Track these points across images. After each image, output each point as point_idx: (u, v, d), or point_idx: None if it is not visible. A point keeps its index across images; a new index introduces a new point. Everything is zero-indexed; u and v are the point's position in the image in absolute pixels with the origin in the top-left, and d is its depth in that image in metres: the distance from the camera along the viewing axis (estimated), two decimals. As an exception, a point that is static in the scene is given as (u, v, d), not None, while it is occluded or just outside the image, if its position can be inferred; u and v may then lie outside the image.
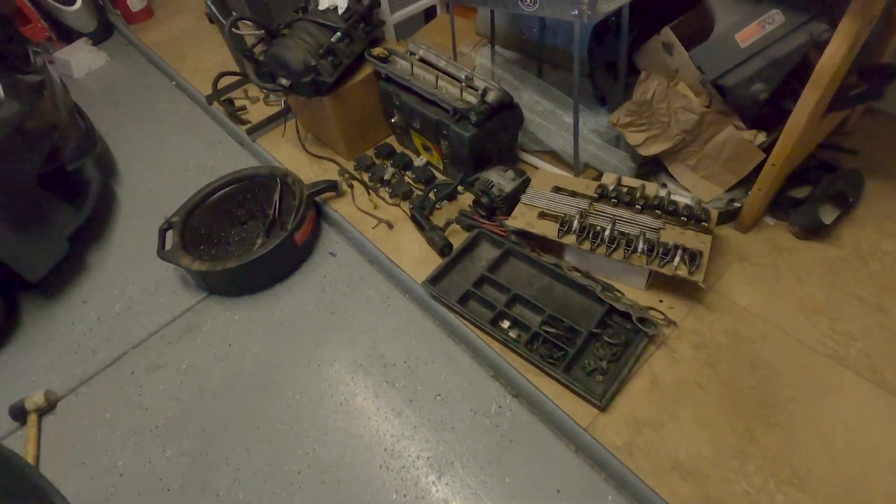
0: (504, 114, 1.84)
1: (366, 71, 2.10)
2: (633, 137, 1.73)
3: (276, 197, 2.07)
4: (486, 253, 1.81)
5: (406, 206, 2.04)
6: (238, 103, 2.74)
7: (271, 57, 1.95)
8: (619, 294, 1.61)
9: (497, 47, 2.17)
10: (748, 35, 1.42)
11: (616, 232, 1.58)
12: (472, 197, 1.91)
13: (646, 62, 1.71)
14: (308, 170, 2.31)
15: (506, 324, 1.59)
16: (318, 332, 1.82)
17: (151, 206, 2.40)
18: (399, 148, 2.27)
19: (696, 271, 1.48)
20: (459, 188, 2.05)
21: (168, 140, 2.83)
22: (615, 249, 1.56)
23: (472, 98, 1.82)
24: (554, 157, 2.07)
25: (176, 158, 2.70)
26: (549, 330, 1.54)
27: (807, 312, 1.52)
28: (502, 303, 1.62)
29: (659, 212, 1.62)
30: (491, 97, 1.77)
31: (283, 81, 1.95)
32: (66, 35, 3.75)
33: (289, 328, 1.86)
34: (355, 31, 2.03)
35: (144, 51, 3.62)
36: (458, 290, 1.70)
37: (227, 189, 2.17)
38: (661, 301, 1.61)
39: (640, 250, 1.53)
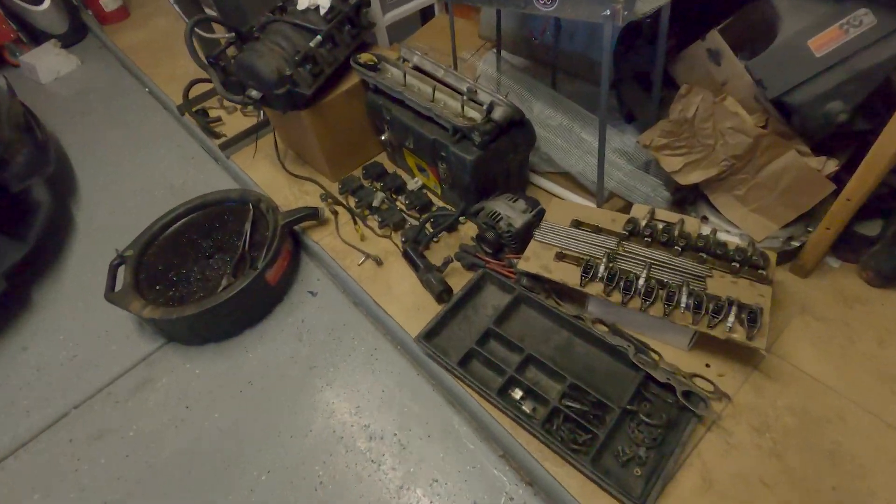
0: (513, 133, 1.55)
1: (352, 80, 1.81)
2: (670, 162, 1.44)
3: (248, 226, 1.78)
4: (493, 298, 1.52)
5: (398, 237, 1.75)
6: (214, 114, 2.45)
7: (240, 64, 1.66)
8: (656, 356, 1.32)
9: (504, 53, 1.88)
10: (825, 41, 1.13)
11: (653, 281, 1.29)
12: (475, 227, 1.62)
13: (686, 73, 1.42)
14: (287, 192, 2.01)
15: (517, 393, 1.30)
16: (292, 393, 1.53)
17: (111, 234, 2.11)
18: (391, 168, 1.98)
19: (757, 334, 1.18)
20: (460, 219, 1.75)
21: (137, 155, 2.54)
22: (652, 303, 1.27)
23: (475, 114, 1.52)
24: (570, 179, 1.78)
25: (144, 176, 2.41)
26: (572, 405, 1.24)
27: (894, 386, 1.22)
28: (513, 366, 1.33)
29: (704, 255, 1.33)
30: (498, 114, 1.48)
31: (253, 93, 1.66)
32: (35, 37, 3.46)
33: (258, 387, 1.56)
34: (339, 35, 1.74)
35: (118, 54, 3.33)
36: (459, 347, 1.41)
37: (190, 216, 1.88)
38: (708, 366, 1.31)
39: (683, 305, 1.24)
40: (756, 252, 1.29)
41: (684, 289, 1.26)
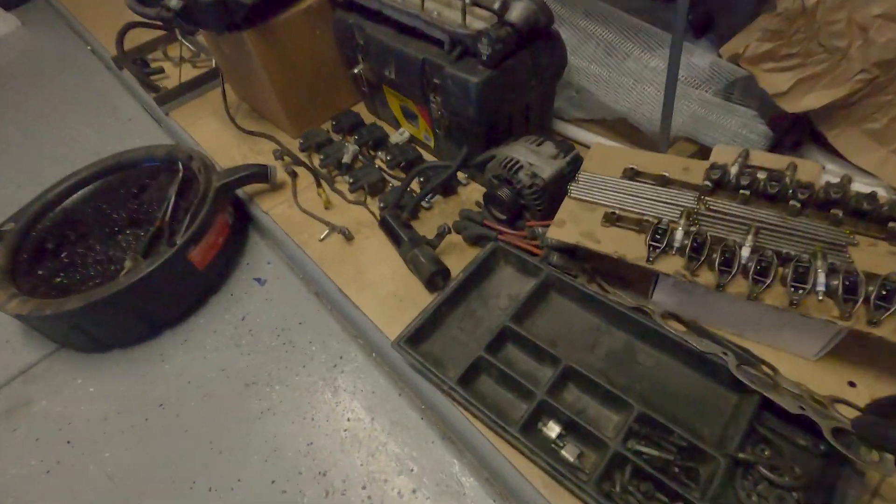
0: (536, 47, 1.08)
1: (314, -6, 1.34)
2: (774, 80, 0.97)
3: (172, 191, 1.30)
4: (509, 284, 1.05)
5: (375, 204, 1.28)
6: (158, 66, 1.98)
7: (155, -37, 1.19)
8: (769, 371, 0.84)
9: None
10: None
11: (768, 251, 0.81)
12: (482, 190, 1.15)
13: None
14: (235, 153, 1.54)
15: (553, 429, 0.82)
16: (218, 422, 1.06)
17: (11, 211, 1.63)
18: (371, 120, 1.51)
19: (958, 335, 0.71)
20: (461, 175, 1.28)
21: (62, 119, 2.07)
22: (768, 286, 0.79)
23: (481, 24, 1.05)
24: (610, 128, 1.31)
25: (65, 143, 1.94)
26: (645, 450, 0.76)
27: None
28: (544, 385, 0.85)
29: (839, 213, 0.85)
30: (516, 14, 1.01)
31: (173, 2, 1.18)
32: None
33: (170, 412, 1.09)
34: (295, -71, 1.28)
35: (63, 13, 2.87)
36: (460, 355, 0.94)
37: (100, 182, 1.41)
38: (853, 384, 0.84)
39: (821, 288, 0.77)
40: (929, 205, 0.82)
41: (820, 262, 0.78)
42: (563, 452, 0.79)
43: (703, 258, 0.83)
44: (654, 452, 0.76)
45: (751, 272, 0.80)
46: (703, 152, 1.09)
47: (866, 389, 0.83)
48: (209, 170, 1.30)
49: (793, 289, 0.78)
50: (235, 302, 1.27)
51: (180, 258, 1.15)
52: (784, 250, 0.82)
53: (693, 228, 0.87)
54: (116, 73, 2.18)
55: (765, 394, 0.77)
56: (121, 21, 2.03)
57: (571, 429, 0.82)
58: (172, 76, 1.94)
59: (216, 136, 1.62)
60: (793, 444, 0.77)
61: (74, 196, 1.38)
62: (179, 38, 1.96)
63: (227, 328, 1.22)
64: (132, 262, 1.17)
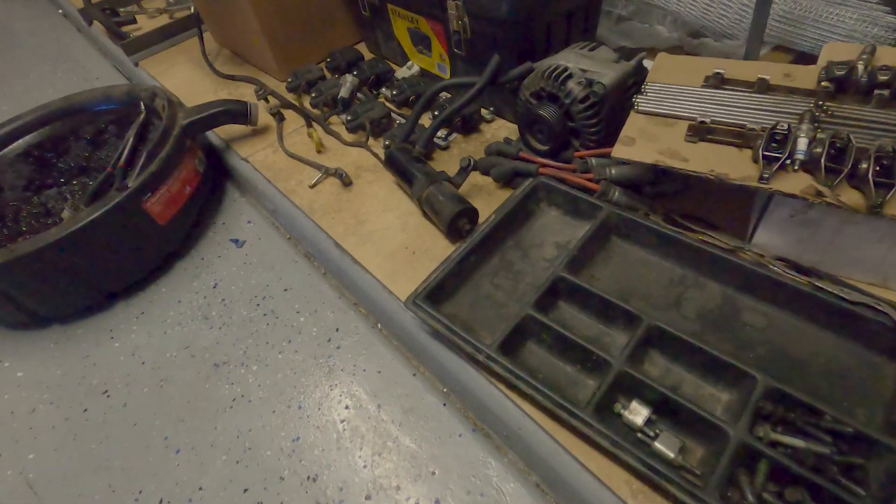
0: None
1: None
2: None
3: (131, 133, 1.06)
4: (555, 231, 0.80)
5: (379, 145, 1.03)
6: (131, 16, 1.75)
7: None
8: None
9: None
10: None
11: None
12: (512, 128, 0.91)
13: None
14: (211, 98, 1.30)
15: (637, 411, 0.58)
16: (175, 414, 0.81)
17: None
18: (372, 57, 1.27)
19: None
20: (485, 111, 1.04)
21: (25, 81, 1.84)
22: (949, 203, 0.55)
23: None
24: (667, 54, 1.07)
25: (25, 103, 1.70)
26: (787, 440, 0.52)
27: None
28: (621, 350, 0.61)
29: None
30: None
31: None
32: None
33: (117, 401, 0.84)
34: None
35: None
36: (495, 318, 0.70)
37: (46, 129, 1.16)
38: None
39: None
40: None
41: None
42: (658, 445, 0.55)
43: (846, 170, 0.59)
44: (801, 443, 0.51)
45: (921, 185, 0.56)
46: (804, 61, 0.85)
47: None
48: (174, 106, 1.06)
49: None
50: (206, 267, 1.02)
51: (133, 207, 0.91)
52: (960, 157, 0.58)
53: (822, 135, 0.62)
54: (87, 32, 1.96)
55: (952, 357, 0.53)
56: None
57: (664, 411, 0.58)
58: (148, 28, 1.70)
59: (191, 83, 1.38)
60: None
61: (14, 145, 1.14)
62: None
63: (195, 297, 0.97)
64: (72, 210, 0.92)
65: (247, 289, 0.97)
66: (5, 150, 1.13)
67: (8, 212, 1.00)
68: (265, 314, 0.92)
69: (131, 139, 1.05)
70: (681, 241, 0.70)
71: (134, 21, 1.72)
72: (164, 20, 1.72)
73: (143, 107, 1.12)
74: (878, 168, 0.58)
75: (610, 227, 0.77)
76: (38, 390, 0.88)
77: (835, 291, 0.61)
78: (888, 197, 0.57)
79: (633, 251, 0.75)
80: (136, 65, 1.54)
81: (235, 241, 1.06)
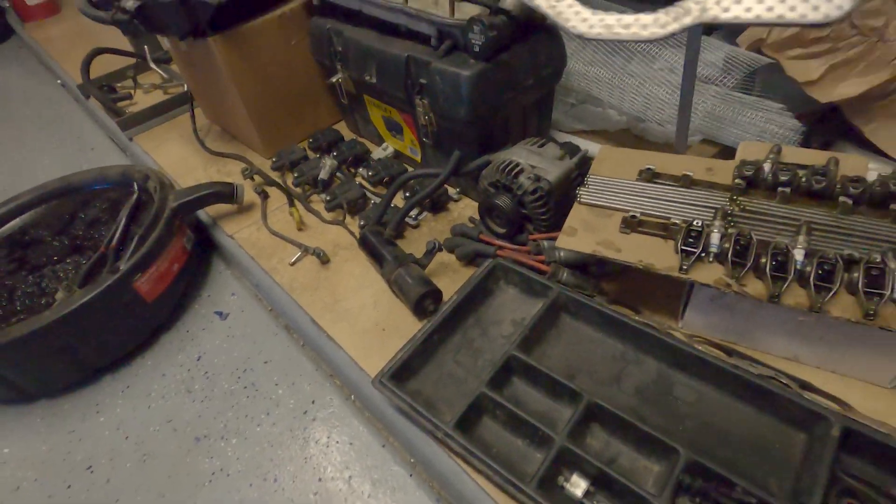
0: (534, 42, 0.97)
1: (290, 2, 1.24)
2: (802, 68, 0.86)
3: (123, 213, 1.14)
4: (513, 308, 0.89)
5: (356, 223, 1.12)
6: (127, 93, 1.86)
7: (110, -37, 1.08)
8: (838, 403, 0.68)
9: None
10: None
11: (832, 253, 0.67)
12: (476, 207, 1.01)
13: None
14: (201, 175, 1.40)
15: (578, 484, 0.64)
16: (157, 489, 0.85)
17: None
18: (352, 138, 1.38)
19: None
20: (452, 191, 1.14)
21: (21, 150, 1.93)
22: (834, 294, 0.65)
23: (469, 14, 0.95)
24: (612, 139, 1.20)
25: (22, 172, 1.79)
26: (703, 511, 0.59)
27: None
28: (564, 426, 0.68)
29: (898, 207, 0.72)
30: (511, 1, 0.91)
31: (129, 4, 1.07)
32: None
33: (100, 477, 0.88)
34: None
35: (36, 49, 2.79)
36: (456, 394, 0.76)
37: (43, 207, 1.24)
38: (944, 417, 0.68)
39: (901, 294, 0.62)
40: None
41: (893, 261, 0.64)
42: (595, 516, 0.61)
43: (749, 264, 0.68)
44: (715, 514, 0.58)
45: (811, 278, 0.65)
46: (726, 154, 0.97)
47: (964, 422, 0.67)
48: (166, 188, 1.15)
49: (866, 296, 0.63)
50: (191, 340, 1.08)
51: (124, 287, 0.98)
52: (846, 252, 0.68)
53: (733, 231, 0.73)
54: (84, 103, 2.06)
55: (854, 427, 0.61)
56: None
57: (601, 484, 0.64)
58: (142, 103, 1.81)
59: (182, 160, 1.47)
60: (888, 497, 0.59)
61: (11, 223, 1.22)
62: (151, 63, 1.85)
63: (179, 371, 1.03)
64: (66, 292, 0.99)
65: (229, 361, 1.03)
66: (3, 227, 1.20)
67: (3, 291, 1.06)
68: (245, 387, 0.98)
69: (123, 220, 1.13)
70: (621, 321, 0.79)
71: (130, 97, 1.83)
72: (158, 95, 1.84)
73: (135, 188, 1.21)
74: (774, 262, 0.67)
75: (559, 306, 0.85)
76: (23, 468, 0.92)
77: (744, 367, 0.69)
78: (784, 288, 0.66)
79: (581, 328, 0.84)
80: (131, 139, 1.65)
81: (220, 314, 1.12)
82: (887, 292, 0.62)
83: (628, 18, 0.62)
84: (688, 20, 0.56)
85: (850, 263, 0.67)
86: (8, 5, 3.12)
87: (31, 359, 0.93)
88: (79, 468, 0.90)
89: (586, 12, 0.64)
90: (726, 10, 0.56)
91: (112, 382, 1.03)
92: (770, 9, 0.53)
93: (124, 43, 1.92)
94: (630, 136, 1.20)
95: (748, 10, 0.55)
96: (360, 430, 0.88)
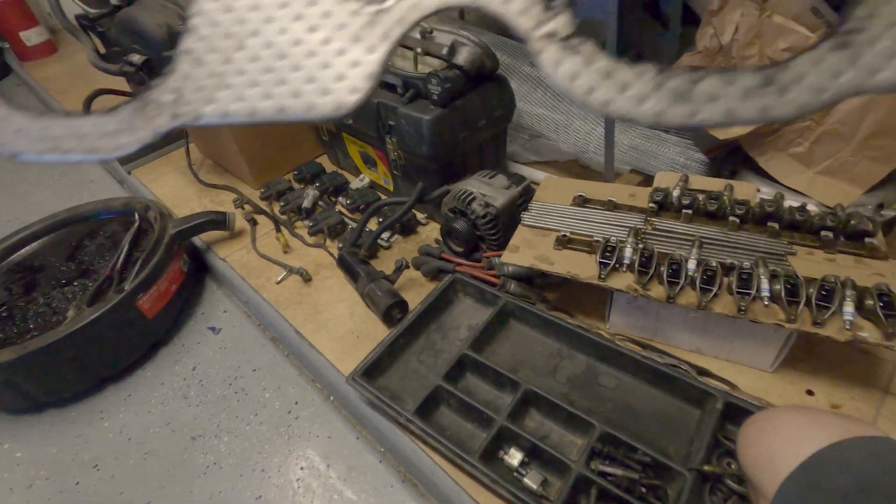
0: (484, 89, 1.15)
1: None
2: (702, 111, 1.04)
3: (126, 240, 1.27)
4: (469, 315, 1.03)
5: (335, 246, 1.27)
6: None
7: (120, 22, 1.25)
8: (727, 385, 0.83)
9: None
10: None
11: (713, 262, 0.83)
12: (439, 227, 1.16)
13: (711, -9, 1.07)
14: (195, 205, 1.54)
15: (514, 456, 0.78)
16: (157, 482, 0.97)
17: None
18: (333, 170, 1.54)
19: (899, 330, 0.72)
20: (420, 215, 1.30)
21: (22, 184, 2.05)
22: (716, 295, 0.81)
23: (431, 67, 1.12)
24: (563, 169, 1.37)
25: (25, 205, 1.91)
26: (610, 470, 0.73)
27: None
28: (504, 411, 0.82)
29: (775, 225, 0.89)
30: (463, 57, 1.08)
31: (135, 58, 1.23)
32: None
33: (105, 474, 0.99)
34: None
35: (35, 88, 2.93)
36: (418, 387, 0.90)
37: (52, 235, 1.37)
38: (810, 393, 0.83)
39: (766, 293, 0.78)
40: (859, 217, 0.86)
41: (762, 269, 0.80)
42: (526, 480, 0.75)
43: (651, 272, 0.84)
44: (619, 472, 0.72)
45: (697, 282, 0.81)
46: (649, 182, 1.14)
47: (825, 397, 0.82)
48: (165, 218, 1.29)
49: (739, 295, 0.79)
50: (187, 352, 1.21)
51: (128, 305, 1.11)
52: (728, 261, 0.84)
53: (641, 245, 0.89)
54: (82, 139, 2.21)
55: (731, 402, 0.76)
56: (89, 90, 2.08)
57: (535, 455, 0.78)
58: (138, 138, 1.96)
59: (177, 191, 1.62)
60: (759, 456, 0.74)
61: (23, 250, 1.34)
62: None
63: (176, 380, 1.15)
64: (76, 310, 1.11)
65: (222, 370, 1.15)
66: (16, 254, 1.33)
67: (17, 312, 1.18)
68: (236, 392, 1.10)
69: (126, 246, 1.27)
70: (556, 324, 0.94)
71: (128, 134, 1.98)
72: (154, 131, 1.99)
73: (136, 217, 1.34)
74: (670, 270, 0.83)
75: (507, 313, 1.00)
76: (35, 468, 1.03)
77: (655, 358, 0.84)
78: (678, 291, 0.82)
79: (525, 331, 0.98)
80: (129, 173, 1.79)
81: (213, 329, 1.25)
82: (754, 292, 0.78)
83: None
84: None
85: (729, 270, 0.83)
86: (7, 45, 3.28)
87: (45, 369, 1.05)
88: (86, 466, 1.01)
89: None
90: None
91: (115, 391, 1.14)
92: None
93: (122, 83, 2.08)
94: (577, 166, 1.37)
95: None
96: (337, 425, 1.01)
